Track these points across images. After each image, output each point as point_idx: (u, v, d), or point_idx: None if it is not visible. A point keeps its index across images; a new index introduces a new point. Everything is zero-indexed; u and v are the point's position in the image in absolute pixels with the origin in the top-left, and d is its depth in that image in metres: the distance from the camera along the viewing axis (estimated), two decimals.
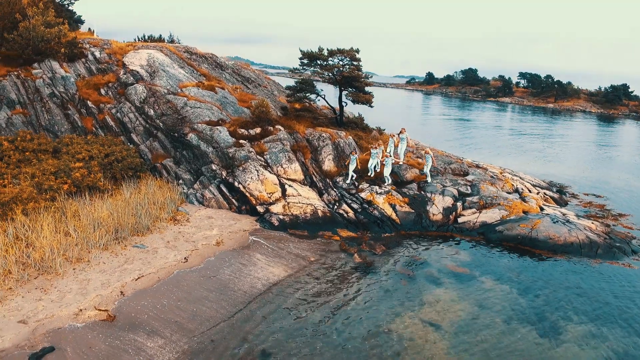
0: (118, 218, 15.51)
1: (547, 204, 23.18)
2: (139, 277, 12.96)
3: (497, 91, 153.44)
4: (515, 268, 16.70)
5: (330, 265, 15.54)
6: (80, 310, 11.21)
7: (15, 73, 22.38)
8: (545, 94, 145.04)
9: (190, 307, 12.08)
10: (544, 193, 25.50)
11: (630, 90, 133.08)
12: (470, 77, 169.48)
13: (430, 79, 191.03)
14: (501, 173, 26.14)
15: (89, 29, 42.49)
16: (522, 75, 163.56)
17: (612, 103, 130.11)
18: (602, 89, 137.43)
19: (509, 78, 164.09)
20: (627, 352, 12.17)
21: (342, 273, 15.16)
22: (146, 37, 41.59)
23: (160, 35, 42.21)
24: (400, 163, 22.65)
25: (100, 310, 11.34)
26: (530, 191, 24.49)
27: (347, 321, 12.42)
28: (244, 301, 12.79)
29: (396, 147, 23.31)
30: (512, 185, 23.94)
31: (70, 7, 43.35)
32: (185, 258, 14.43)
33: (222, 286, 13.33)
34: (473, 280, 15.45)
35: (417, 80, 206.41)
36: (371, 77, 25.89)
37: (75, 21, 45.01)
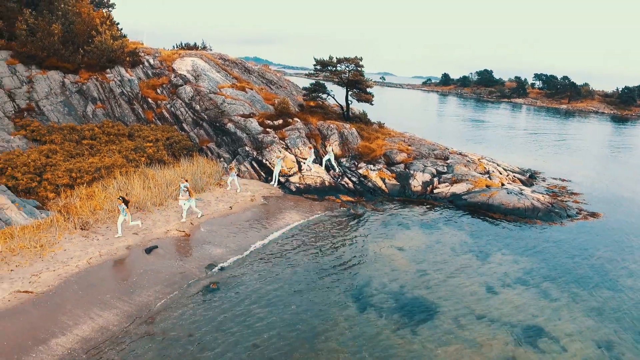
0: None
1: (512, 182, 28.81)
2: (201, 216, 19.25)
3: (512, 92, 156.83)
4: (470, 222, 22.53)
5: (333, 215, 21.63)
6: (168, 230, 17.53)
7: (95, 77, 28.96)
8: (559, 95, 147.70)
9: (238, 234, 18.29)
10: (514, 176, 31.09)
11: None
12: (485, 78, 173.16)
13: (446, 80, 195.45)
14: (479, 159, 31.82)
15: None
16: (538, 76, 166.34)
17: (626, 104, 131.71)
18: (619, 90, 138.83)
19: (525, 79, 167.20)
20: (532, 269, 17.89)
21: (341, 220, 21.23)
22: (183, 45, 48.26)
23: (195, 43, 48.86)
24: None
25: (179, 231, 17.63)
26: (500, 173, 30.12)
27: (342, 246, 18.48)
28: (272, 231, 18.94)
29: (322, 157, 27.18)
30: (485, 168, 29.61)
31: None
32: (230, 207, 20.69)
33: (257, 223, 19.53)
34: (436, 228, 21.34)
35: (433, 81, 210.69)
36: (370, 80, 31.69)
37: None
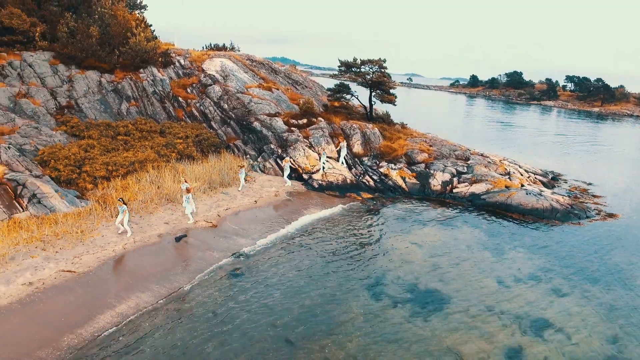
0: (209, 175, 23.02)
1: (532, 184, 28.99)
2: (227, 208, 20.37)
3: (542, 95, 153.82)
4: (487, 221, 22.98)
5: (352, 211, 22.45)
6: (196, 220, 18.68)
7: (129, 76, 30.54)
8: (591, 98, 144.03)
9: (261, 225, 19.31)
10: (535, 177, 31.21)
11: None
12: (515, 80, 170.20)
13: (474, 81, 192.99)
14: (500, 161, 32.05)
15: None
16: (569, 78, 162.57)
17: None
18: None
19: (556, 81, 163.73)
20: (544, 266, 18.31)
21: (360, 215, 22.03)
22: (212, 46, 49.77)
23: (224, 44, 50.30)
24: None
25: (207, 222, 18.76)
26: (522, 175, 30.30)
27: (360, 239, 19.29)
28: (294, 224, 19.89)
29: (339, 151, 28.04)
30: (506, 169, 29.87)
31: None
32: (255, 201, 21.75)
33: (280, 215, 20.52)
34: (453, 226, 21.89)
35: (460, 83, 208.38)
36: (394, 81, 32.30)
37: None
